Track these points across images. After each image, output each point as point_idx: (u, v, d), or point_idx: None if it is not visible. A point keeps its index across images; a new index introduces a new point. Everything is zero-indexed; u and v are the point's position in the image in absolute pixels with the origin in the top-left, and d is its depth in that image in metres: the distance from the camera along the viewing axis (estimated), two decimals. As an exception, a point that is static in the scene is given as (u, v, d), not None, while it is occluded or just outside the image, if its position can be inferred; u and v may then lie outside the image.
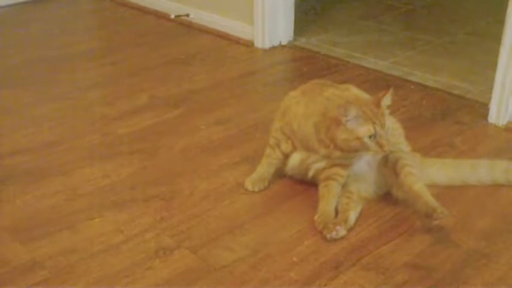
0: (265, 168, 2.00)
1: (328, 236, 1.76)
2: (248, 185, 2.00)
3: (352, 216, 1.83)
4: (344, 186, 1.91)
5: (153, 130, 2.40)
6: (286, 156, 1.96)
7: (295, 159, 1.94)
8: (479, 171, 2.02)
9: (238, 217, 1.87)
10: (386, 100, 1.80)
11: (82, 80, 2.87)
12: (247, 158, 2.17)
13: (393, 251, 1.73)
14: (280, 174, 2.03)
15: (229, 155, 2.21)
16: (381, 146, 1.75)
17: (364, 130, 1.73)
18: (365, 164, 1.92)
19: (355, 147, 1.77)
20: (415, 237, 1.79)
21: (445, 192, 1.98)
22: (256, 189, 1.99)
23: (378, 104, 1.77)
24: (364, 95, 1.86)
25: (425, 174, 1.99)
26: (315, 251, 1.73)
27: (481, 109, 2.54)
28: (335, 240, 1.76)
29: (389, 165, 1.89)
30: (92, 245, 1.74)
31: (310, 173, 1.93)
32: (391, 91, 1.80)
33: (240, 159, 2.17)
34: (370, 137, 1.74)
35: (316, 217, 1.82)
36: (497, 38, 2.41)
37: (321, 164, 1.89)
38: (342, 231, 1.77)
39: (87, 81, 2.86)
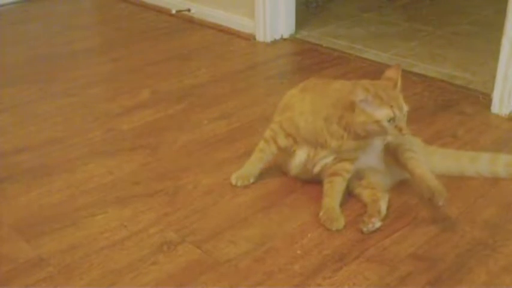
0: (255, 164, 1.99)
1: (364, 229, 1.76)
2: (233, 179, 1.99)
3: (383, 206, 1.82)
4: (362, 179, 1.90)
5: (156, 125, 2.40)
6: (281, 150, 1.94)
7: (301, 156, 1.91)
8: (478, 164, 2.01)
9: (241, 211, 1.88)
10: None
11: (84, 76, 2.88)
12: (250, 152, 2.16)
13: (397, 243, 1.73)
14: (280, 171, 2.03)
15: (232, 149, 2.21)
16: (399, 129, 1.73)
17: (383, 114, 1.70)
18: (376, 158, 1.91)
19: (373, 131, 1.74)
20: (418, 228, 1.79)
21: (449, 182, 1.97)
22: (239, 184, 1.98)
23: (393, 87, 1.74)
24: (377, 81, 1.80)
25: (426, 162, 1.98)
26: (319, 244, 1.73)
27: (484, 99, 2.54)
28: (371, 232, 1.76)
29: (390, 152, 1.88)
30: (96, 241, 1.74)
31: (316, 169, 1.90)
32: (399, 67, 1.78)
33: (242, 153, 2.17)
34: (389, 120, 1.71)
35: (321, 213, 1.82)
36: (499, 28, 2.40)
37: (329, 159, 1.87)
38: (377, 223, 1.77)
39: (89, 77, 2.87)
